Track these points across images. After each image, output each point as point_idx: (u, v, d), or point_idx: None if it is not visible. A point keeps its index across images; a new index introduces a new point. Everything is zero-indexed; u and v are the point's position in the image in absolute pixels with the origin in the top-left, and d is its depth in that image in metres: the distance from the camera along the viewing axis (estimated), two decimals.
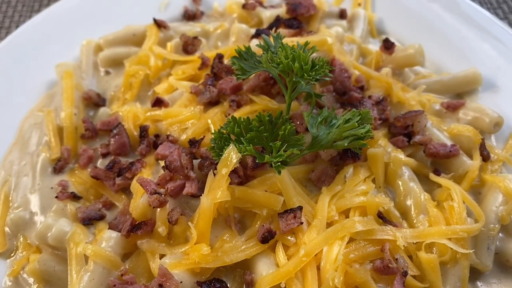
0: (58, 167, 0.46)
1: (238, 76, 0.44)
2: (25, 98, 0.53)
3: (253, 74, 0.45)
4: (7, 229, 0.44)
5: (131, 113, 0.48)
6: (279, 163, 0.40)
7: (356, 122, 0.42)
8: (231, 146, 0.39)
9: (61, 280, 0.40)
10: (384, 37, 0.55)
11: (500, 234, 0.44)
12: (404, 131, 0.48)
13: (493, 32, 0.55)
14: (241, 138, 0.40)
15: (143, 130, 0.47)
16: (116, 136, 0.47)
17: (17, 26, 0.68)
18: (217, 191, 0.39)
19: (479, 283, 0.42)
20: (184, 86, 0.49)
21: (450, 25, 0.57)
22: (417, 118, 0.47)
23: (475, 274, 0.42)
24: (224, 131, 0.41)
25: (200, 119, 0.46)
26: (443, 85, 0.53)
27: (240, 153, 0.39)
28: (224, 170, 0.39)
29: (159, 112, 0.47)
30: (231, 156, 0.39)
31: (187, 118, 0.46)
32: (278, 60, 0.40)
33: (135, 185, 0.43)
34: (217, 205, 0.39)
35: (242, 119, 0.41)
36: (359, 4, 0.61)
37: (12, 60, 0.55)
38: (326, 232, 0.39)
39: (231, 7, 0.59)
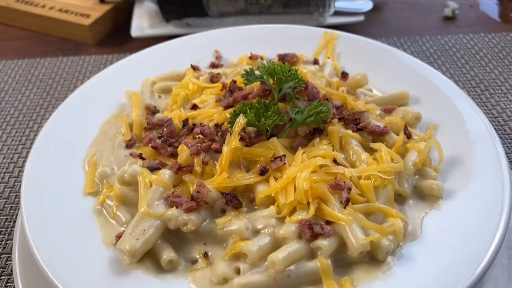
0: (129, 144, 0.71)
1: (245, 83, 0.71)
2: (104, 114, 0.80)
3: (254, 84, 0.72)
4: (95, 179, 0.68)
5: (177, 113, 0.74)
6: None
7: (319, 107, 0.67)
8: (241, 115, 0.65)
9: (134, 199, 0.62)
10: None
11: (416, 176, 0.66)
12: (354, 123, 0.72)
13: (420, 71, 0.83)
14: (247, 113, 0.65)
15: (185, 121, 0.72)
16: (168, 126, 0.72)
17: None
18: (232, 142, 0.63)
19: (403, 205, 0.64)
20: (211, 97, 0.76)
21: (390, 65, 0.85)
22: (363, 114, 0.72)
23: (400, 198, 0.64)
24: (237, 111, 0.67)
25: (221, 113, 0.72)
26: (383, 100, 0.78)
27: (246, 118, 0.64)
28: (236, 128, 0.64)
29: (195, 112, 0.73)
30: (240, 120, 0.64)
31: (213, 113, 0.72)
32: (269, 67, 0.67)
33: (181, 147, 0.67)
34: (232, 151, 0.63)
35: (248, 103, 0.66)
36: (328, 57, 0.89)
37: (93, 94, 0.82)
38: (299, 165, 0.62)
39: (241, 59, 0.88)
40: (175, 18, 1.15)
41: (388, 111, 0.75)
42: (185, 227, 0.58)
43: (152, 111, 0.77)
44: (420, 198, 0.64)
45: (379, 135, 0.69)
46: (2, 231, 0.75)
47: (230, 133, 0.64)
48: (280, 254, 0.54)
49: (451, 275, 0.53)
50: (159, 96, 0.82)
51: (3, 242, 0.73)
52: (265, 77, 0.70)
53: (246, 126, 0.66)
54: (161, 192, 0.61)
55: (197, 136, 0.68)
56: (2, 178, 0.84)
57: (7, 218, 0.77)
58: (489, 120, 0.74)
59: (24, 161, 0.87)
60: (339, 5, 1.18)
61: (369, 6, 1.20)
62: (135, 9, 1.22)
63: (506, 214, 0.57)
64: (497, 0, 1.32)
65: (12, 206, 0.79)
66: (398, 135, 0.71)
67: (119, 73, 0.86)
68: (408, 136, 0.70)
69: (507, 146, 0.86)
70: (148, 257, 0.57)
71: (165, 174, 0.63)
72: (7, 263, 0.70)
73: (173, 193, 0.61)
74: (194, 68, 0.84)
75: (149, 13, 1.20)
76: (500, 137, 0.84)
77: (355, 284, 0.54)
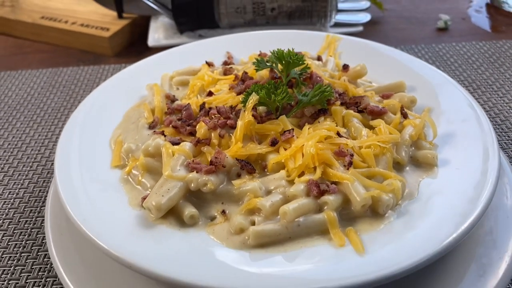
0: (152, 126, 0.78)
1: (256, 69, 0.79)
2: (127, 104, 0.87)
3: (264, 73, 0.80)
4: (122, 155, 0.75)
5: (194, 100, 0.82)
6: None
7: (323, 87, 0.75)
8: (253, 94, 0.72)
9: (158, 168, 0.68)
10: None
11: (412, 148, 0.73)
12: (355, 105, 0.80)
13: (415, 65, 0.91)
14: (258, 92, 0.73)
15: (202, 105, 0.80)
16: (186, 110, 0.79)
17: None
18: (246, 117, 0.70)
19: (402, 172, 0.70)
20: (225, 86, 0.83)
21: (387, 61, 0.93)
22: (363, 98, 0.80)
23: (398, 167, 0.70)
24: (249, 92, 0.74)
25: (235, 98, 0.79)
26: (381, 89, 0.86)
27: (258, 95, 0.71)
28: (249, 104, 0.71)
29: (210, 98, 0.81)
30: (253, 97, 0.71)
31: (227, 98, 0.79)
32: (277, 52, 0.75)
33: (199, 125, 0.74)
34: (246, 124, 0.70)
35: (259, 85, 0.74)
36: (330, 56, 0.97)
37: (116, 87, 0.90)
38: (306, 136, 0.69)
39: (251, 57, 0.96)
40: (189, 30, 1.25)
41: (386, 97, 0.82)
42: (205, 187, 0.64)
43: (171, 99, 0.85)
44: (416, 166, 0.70)
45: (378, 114, 0.77)
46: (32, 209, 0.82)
47: (244, 111, 0.71)
48: (290, 205, 0.60)
49: (445, 227, 0.59)
50: (177, 88, 0.90)
51: (33, 219, 0.80)
52: (273, 64, 0.78)
53: (257, 105, 0.73)
54: (183, 160, 0.68)
55: (213, 116, 0.75)
56: (31, 167, 0.91)
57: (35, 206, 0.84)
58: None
59: (50, 153, 0.94)
60: (339, 17, 1.28)
61: (367, 18, 1.30)
62: (151, 23, 1.32)
63: (494, 174, 0.64)
64: (487, 13, 1.41)
65: (40, 190, 0.86)
66: (393, 114, 0.78)
67: (139, 71, 0.94)
68: (405, 116, 0.77)
69: (504, 143, 0.92)
70: (171, 214, 0.64)
71: (186, 145, 0.70)
72: (37, 236, 0.77)
73: (193, 161, 0.68)
74: (209, 64, 0.92)
75: (164, 26, 1.30)
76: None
77: (359, 234, 0.60)
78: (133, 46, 1.34)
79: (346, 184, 0.63)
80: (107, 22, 1.33)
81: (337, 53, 0.98)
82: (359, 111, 0.78)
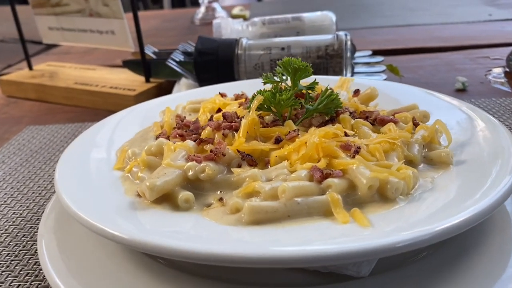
0: (159, 136, 0.78)
1: (263, 82, 0.79)
2: (138, 128, 0.89)
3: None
4: (126, 159, 0.74)
5: (203, 117, 0.82)
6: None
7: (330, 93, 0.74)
8: (258, 95, 0.72)
9: (159, 165, 0.67)
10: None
11: (425, 149, 0.69)
12: (365, 119, 0.78)
13: (429, 96, 0.90)
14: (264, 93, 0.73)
15: (210, 118, 0.80)
16: (194, 123, 0.79)
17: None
18: (251, 116, 0.70)
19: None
20: (235, 105, 0.84)
21: (400, 94, 0.92)
22: (372, 112, 0.78)
23: (411, 165, 0.65)
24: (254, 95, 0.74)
25: (242, 111, 0.79)
26: (394, 110, 0.85)
27: (262, 96, 0.71)
28: (253, 104, 0.70)
29: (219, 114, 0.81)
30: (259, 97, 0.71)
31: (235, 110, 0.79)
32: (283, 61, 0.76)
33: (205, 130, 0.73)
34: (250, 122, 0.69)
35: (265, 90, 0.74)
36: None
37: (140, 116, 0.92)
38: (312, 133, 0.67)
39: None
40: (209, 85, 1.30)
41: (397, 113, 0.81)
42: (203, 174, 0.61)
43: (181, 119, 0.85)
44: (431, 165, 0.66)
45: (388, 123, 0.74)
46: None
47: (249, 111, 0.71)
48: (290, 183, 0.56)
49: (455, 209, 0.53)
50: (189, 114, 0.91)
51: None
52: (281, 75, 0.78)
53: (263, 114, 0.73)
54: (184, 154, 0.66)
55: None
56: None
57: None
58: None
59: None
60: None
61: (382, 78, 1.32)
62: (176, 85, 1.39)
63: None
64: (505, 77, 1.42)
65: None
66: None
67: (154, 106, 0.97)
68: (416, 125, 0.75)
69: None
70: (166, 201, 0.60)
71: (188, 142, 0.69)
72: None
73: (194, 155, 0.66)
74: (222, 94, 0.94)
75: (187, 85, 1.36)
76: None
77: (365, 215, 0.54)
78: None
79: (351, 169, 0.59)
80: (135, 85, 1.41)
81: (350, 90, 0.99)
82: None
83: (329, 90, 0.74)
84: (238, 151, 0.65)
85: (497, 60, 1.56)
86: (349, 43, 1.22)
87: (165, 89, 1.43)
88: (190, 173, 0.62)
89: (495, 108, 1.18)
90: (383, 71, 1.37)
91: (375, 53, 1.53)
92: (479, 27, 1.99)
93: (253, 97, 0.73)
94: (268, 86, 0.79)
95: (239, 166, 0.65)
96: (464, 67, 1.53)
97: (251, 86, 1.05)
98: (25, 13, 1.69)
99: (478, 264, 0.55)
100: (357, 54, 1.44)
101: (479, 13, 2.20)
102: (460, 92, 1.35)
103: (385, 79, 1.32)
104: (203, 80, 1.29)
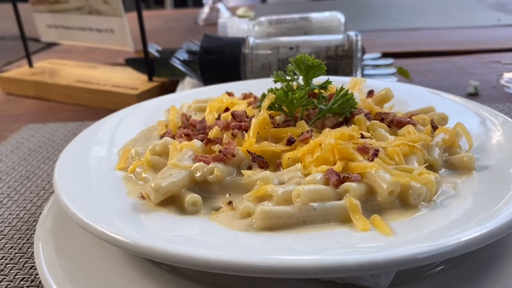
0: (163, 136, 0.75)
1: (274, 80, 0.76)
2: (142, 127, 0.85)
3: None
4: (129, 159, 0.70)
5: (210, 116, 0.78)
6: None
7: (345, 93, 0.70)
8: (269, 93, 0.68)
9: (164, 165, 0.62)
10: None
11: (446, 154, 0.65)
12: (380, 121, 0.74)
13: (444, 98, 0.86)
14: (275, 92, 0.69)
15: (217, 117, 0.76)
16: (201, 122, 0.76)
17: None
18: (262, 115, 0.66)
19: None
20: (243, 104, 0.80)
21: (415, 97, 0.89)
22: (389, 114, 0.75)
23: (432, 169, 0.61)
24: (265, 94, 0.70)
25: (252, 110, 0.75)
26: (410, 113, 0.81)
27: (273, 94, 0.67)
28: (264, 103, 0.67)
29: (227, 113, 0.77)
30: (270, 95, 0.67)
31: (244, 109, 0.76)
32: (296, 58, 0.73)
33: (212, 129, 0.69)
34: (261, 122, 0.65)
35: (276, 89, 0.71)
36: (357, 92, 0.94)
37: (143, 114, 0.88)
38: (326, 134, 0.63)
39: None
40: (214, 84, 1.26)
41: (414, 115, 0.77)
42: (211, 176, 0.58)
43: (187, 118, 0.82)
44: (452, 170, 0.62)
45: (406, 124, 0.71)
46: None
47: (259, 110, 0.67)
48: (306, 187, 0.52)
49: (481, 218, 0.49)
50: (195, 114, 0.87)
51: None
52: (293, 73, 0.75)
53: (274, 114, 0.69)
54: (190, 154, 0.62)
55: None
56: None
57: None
58: None
59: None
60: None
61: (393, 81, 1.29)
62: (179, 84, 1.35)
63: None
64: None
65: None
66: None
67: (157, 104, 0.93)
68: (435, 128, 0.71)
69: None
70: (172, 203, 0.57)
71: (195, 142, 0.65)
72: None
73: (202, 155, 0.62)
74: (229, 93, 0.90)
75: (191, 84, 1.32)
76: None
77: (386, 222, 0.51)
78: None
79: (370, 173, 0.55)
80: (137, 84, 1.37)
81: (362, 91, 0.95)
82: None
83: (344, 90, 0.70)
84: (249, 152, 0.61)
85: (509, 65, 1.52)
86: (359, 43, 1.19)
87: (168, 88, 1.39)
88: (198, 174, 0.58)
89: (510, 113, 1.14)
90: (393, 74, 1.34)
91: (384, 55, 1.50)
92: (488, 31, 1.96)
93: (263, 96, 0.69)
94: (278, 86, 0.76)
95: (249, 168, 0.61)
96: (475, 71, 1.49)
97: (257, 86, 1.02)
98: (26, 10, 1.66)
99: (503, 278, 0.52)
100: (366, 56, 1.41)
101: (487, 18, 2.16)
102: (473, 96, 1.31)
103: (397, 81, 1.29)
104: (208, 79, 1.25)
